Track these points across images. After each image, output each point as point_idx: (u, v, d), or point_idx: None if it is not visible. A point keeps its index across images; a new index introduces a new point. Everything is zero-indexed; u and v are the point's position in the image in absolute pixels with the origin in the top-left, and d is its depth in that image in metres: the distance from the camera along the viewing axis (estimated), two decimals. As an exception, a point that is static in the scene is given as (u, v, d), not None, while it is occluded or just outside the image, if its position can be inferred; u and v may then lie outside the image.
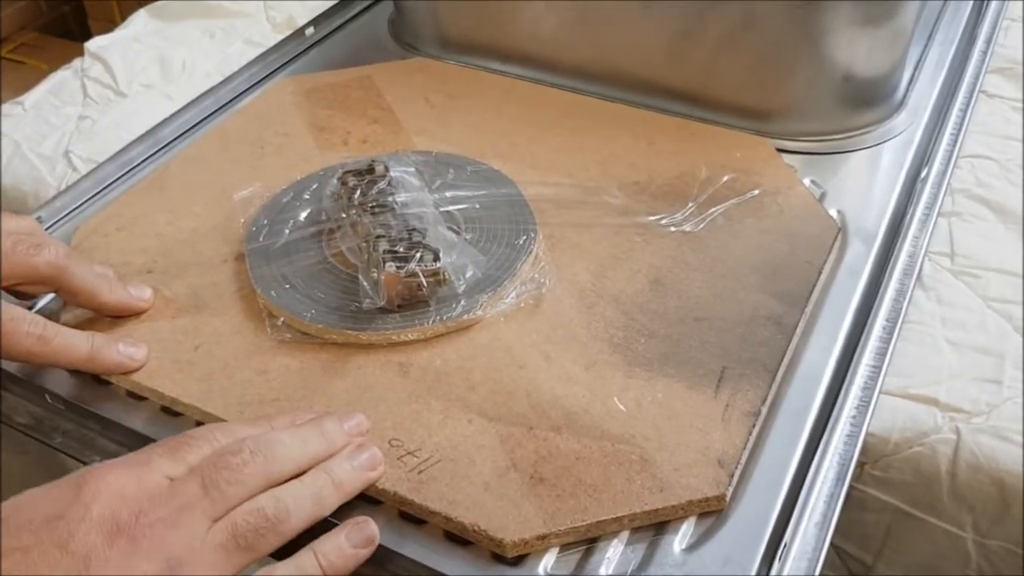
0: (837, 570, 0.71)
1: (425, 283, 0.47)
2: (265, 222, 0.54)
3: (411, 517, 0.40)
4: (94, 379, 0.47)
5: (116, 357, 0.46)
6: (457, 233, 0.52)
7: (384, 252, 0.47)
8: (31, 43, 2.00)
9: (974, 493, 0.62)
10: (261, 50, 0.75)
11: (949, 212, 0.78)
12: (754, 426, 0.43)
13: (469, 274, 0.49)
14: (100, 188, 0.60)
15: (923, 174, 0.59)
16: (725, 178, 0.57)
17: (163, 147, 0.64)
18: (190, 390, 0.45)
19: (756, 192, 0.56)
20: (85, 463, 0.45)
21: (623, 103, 0.66)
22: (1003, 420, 0.62)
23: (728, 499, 0.40)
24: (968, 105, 0.65)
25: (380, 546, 0.39)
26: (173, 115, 0.66)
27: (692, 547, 0.39)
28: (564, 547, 0.39)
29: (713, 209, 0.55)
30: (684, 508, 0.40)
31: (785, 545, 0.39)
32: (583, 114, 0.65)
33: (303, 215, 0.54)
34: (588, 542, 0.39)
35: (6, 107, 1.00)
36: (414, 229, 0.49)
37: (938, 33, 0.74)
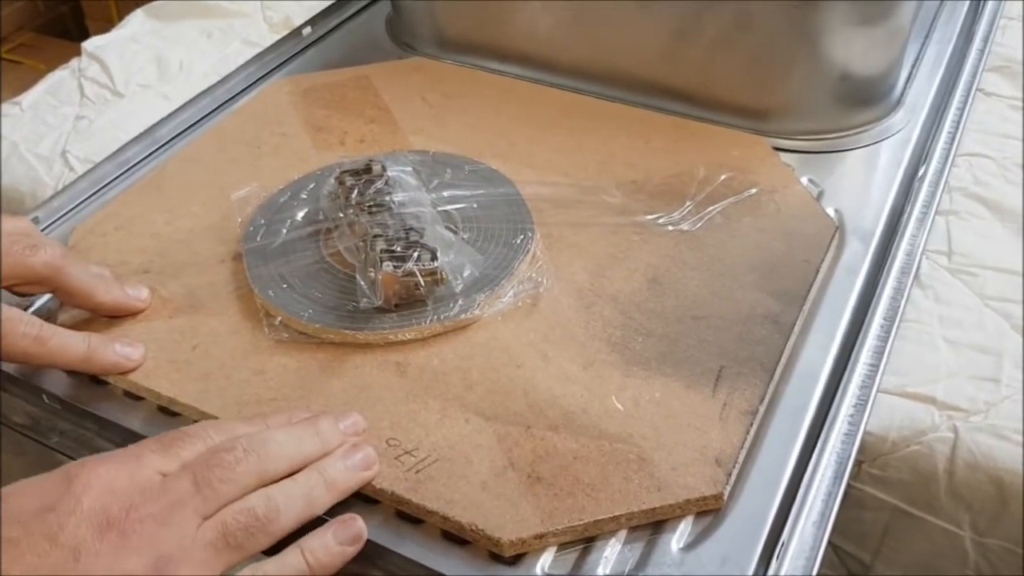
0: (835, 569, 0.71)
1: (422, 282, 0.47)
2: (262, 222, 0.54)
3: (408, 516, 0.40)
4: (91, 379, 0.47)
5: (113, 357, 0.46)
6: (455, 232, 0.52)
7: (381, 251, 0.47)
8: (28, 43, 2.01)
9: (972, 492, 0.62)
10: (258, 50, 0.75)
11: (947, 210, 0.78)
12: (752, 425, 0.43)
13: (467, 273, 0.49)
14: (97, 188, 0.60)
15: (920, 172, 0.59)
16: (722, 177, 0.57)
17: (160, 147, 0.64)
18: (187, 390, 0.45)
19: (753, 191, 0.56)
20: (82, 463, 0.45)
21: (621, 103, 0.65)
22: (1001, 419, 0.62)
23: (726, 498, 0.40)
24: (965, 103, 0.65)
25: (377, 545, 0.39)
26: (170, 115, 0.66)
27: (690, 546, 0.39)
28: (562, 546, 0.39)
29: (711, 208, 0.55)
30: (682, 507, 0.40)
31: (783, 544, 0.39)
32: (581, 114, 0.65)
33: (300, 215, 0.54)
34: (585, 541, 0.39)
35: (4, 107, 1.00)
36: (411, 228, 0.48)
37: (935, 31, 0.74)
